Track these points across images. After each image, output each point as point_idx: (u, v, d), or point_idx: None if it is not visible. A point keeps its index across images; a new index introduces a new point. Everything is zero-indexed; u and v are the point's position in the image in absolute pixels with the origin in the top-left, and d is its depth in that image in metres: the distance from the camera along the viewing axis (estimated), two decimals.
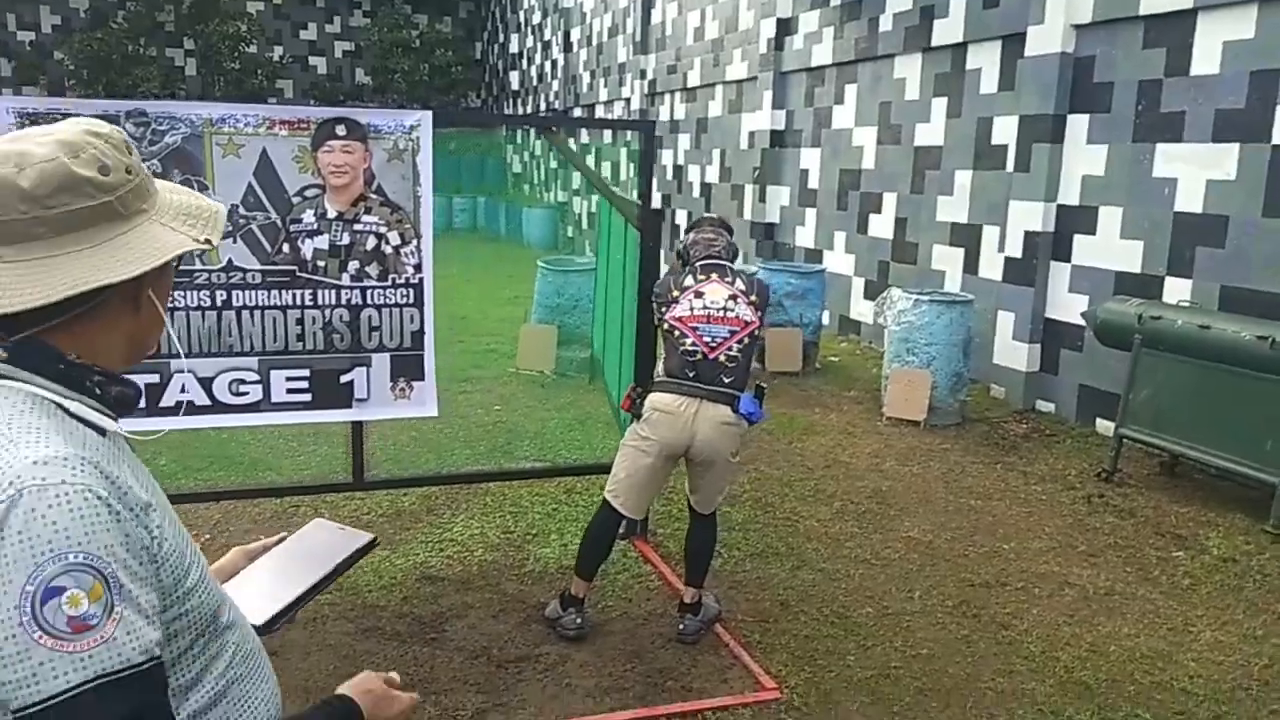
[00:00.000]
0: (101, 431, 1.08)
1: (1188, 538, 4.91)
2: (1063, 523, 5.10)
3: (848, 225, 10.24)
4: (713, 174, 13.67)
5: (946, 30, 8.43)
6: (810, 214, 10.99)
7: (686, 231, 3.78)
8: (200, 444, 5.62)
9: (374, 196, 3.78)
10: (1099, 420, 6.76)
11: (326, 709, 1.25)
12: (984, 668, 3.59)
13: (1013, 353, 7.50)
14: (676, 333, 3.53)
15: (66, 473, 0.98)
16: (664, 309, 3.59)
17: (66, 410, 1.05)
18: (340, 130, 3.69)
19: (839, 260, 10.36)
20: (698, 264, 3.63)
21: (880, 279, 9.60)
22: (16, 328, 1.04)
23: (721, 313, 3.51)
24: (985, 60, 8.06)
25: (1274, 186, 5.65)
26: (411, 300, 3.90)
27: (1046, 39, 7.09)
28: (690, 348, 3.49)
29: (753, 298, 3.57)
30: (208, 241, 1.17)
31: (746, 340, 3.52)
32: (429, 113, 3.80)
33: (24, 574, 0.93)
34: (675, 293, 3.58)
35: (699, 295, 3.54)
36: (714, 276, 3.58)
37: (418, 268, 3.89)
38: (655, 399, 3.51)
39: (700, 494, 3.66)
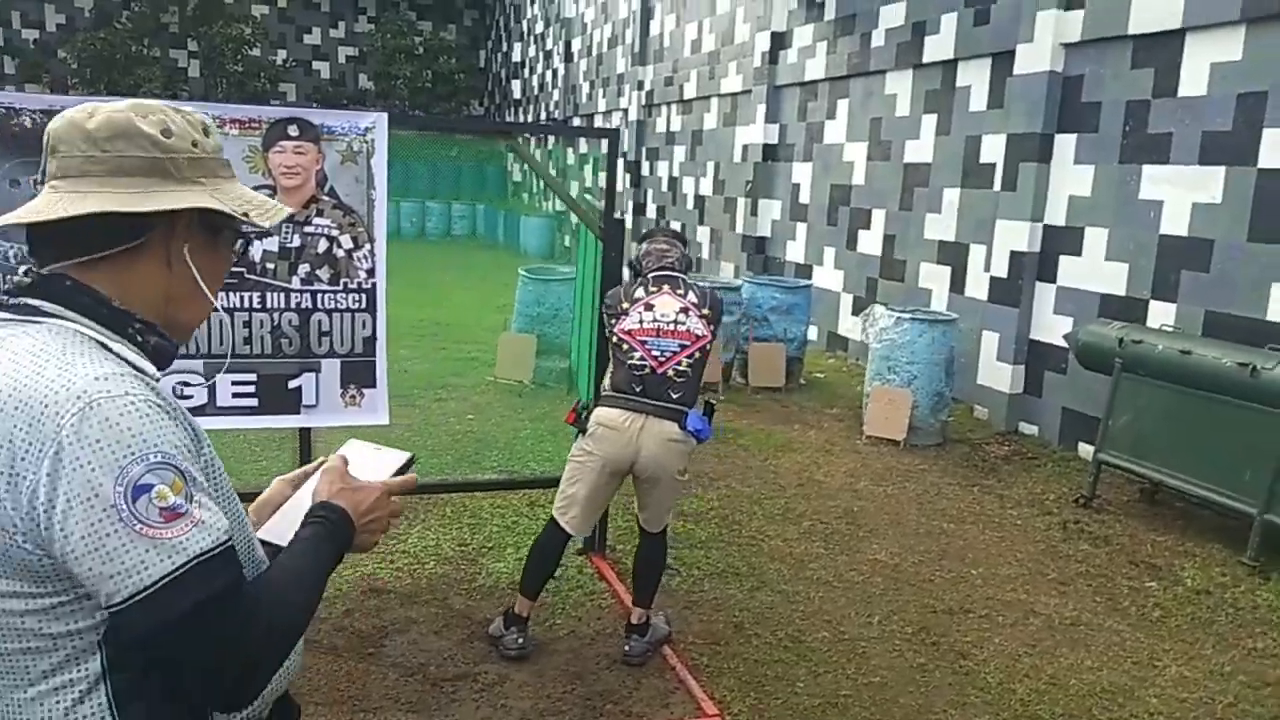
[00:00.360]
0: (142, 373, 1.13)
1: (1162, 568, 4.79)
2: (1035, 549, 4.98)
3: (837, 241, 10.16)
4: (706, 186, 13.61)
5: (937, 47, 8.36)
6: (801, 229, 10.90)
7: (639, 242, 3.68)
8: None
9: (326, 199, 3.70)
10: (1081, 444, 6.65)
11: (321, 524, 1.27)
12: (937, 698, 3.47)
13: (996, 373, 7.40)
14: (625, 346, 3.41)
15: (127, 385, 1.06)
16: (614, 321, 3.47)
17: (110, 350, 1.12)
18: (292, 130, 3.61)
19: (828, 276, 10.27)
20: (649, 275, 3.52)
21: (868, 295, 9.50)
22: (49, 259, 1.14)
23: (672, 326, 3.40)
24: (975, 78, 7.98)
25: (1260, 210, 5.55)
26: (364, 305, 3.81)
27: (1035, 57, 7.01)
28: (638, 362, 3.38)
29: (705, 311, 3.46)
30: (245, 216, 1.21)
31: (697, 355, 3.41)
32: (384, 115, 3.72)
33: (110, 477, 1.00)
34: (625, 304, 3.46)
35: (649, 308, 3.43)
36: (666, 288, 3.47)
37: (370, 272, 3.80)
38: (600, 414, 3.41)
39: (648, 511, 3.56)
